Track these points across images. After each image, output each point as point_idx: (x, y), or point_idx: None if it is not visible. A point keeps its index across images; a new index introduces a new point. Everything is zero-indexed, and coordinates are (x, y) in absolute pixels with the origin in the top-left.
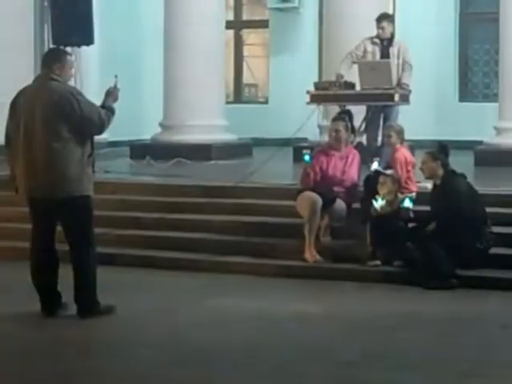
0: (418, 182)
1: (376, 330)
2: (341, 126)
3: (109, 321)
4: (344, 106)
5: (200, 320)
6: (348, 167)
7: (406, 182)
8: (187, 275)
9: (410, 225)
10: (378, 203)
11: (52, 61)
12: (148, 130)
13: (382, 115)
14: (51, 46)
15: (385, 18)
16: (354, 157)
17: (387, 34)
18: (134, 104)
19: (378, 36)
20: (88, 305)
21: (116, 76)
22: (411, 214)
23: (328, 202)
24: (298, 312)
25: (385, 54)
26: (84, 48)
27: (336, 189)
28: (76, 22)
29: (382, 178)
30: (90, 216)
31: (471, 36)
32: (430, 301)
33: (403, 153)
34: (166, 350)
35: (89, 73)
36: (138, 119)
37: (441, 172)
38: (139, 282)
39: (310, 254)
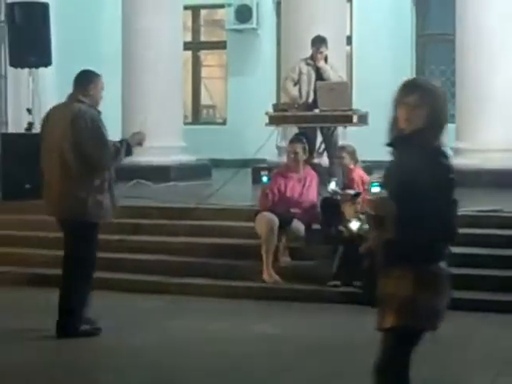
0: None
1: (335, 350)
2: (299, 148)
3: (71, 344)
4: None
5: (158, 343)
6: (306, 189)
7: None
8: (146, 297)
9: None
10: (354, 225)
11: (86, 82)
12: None
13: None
14: (8, 66)
15: (323, 42)
16: (312, 178)
17: (323, 58)
18: None
19: (312, 57)
20: (67, 322)
21: (145, 118)
22: None
23: (285, 223)
24: (257, 334)
25: (319, 75)
26: (41, 69)
27: (293, 210)
28: (33, 43)
29: (349, 200)
30: (90, 242)
31: (427, 57)
32: None
33: (358, 173)
34: (126, 374)
35: (46, 94)
36: None
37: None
38: (97, 305)
39: (268, 275)
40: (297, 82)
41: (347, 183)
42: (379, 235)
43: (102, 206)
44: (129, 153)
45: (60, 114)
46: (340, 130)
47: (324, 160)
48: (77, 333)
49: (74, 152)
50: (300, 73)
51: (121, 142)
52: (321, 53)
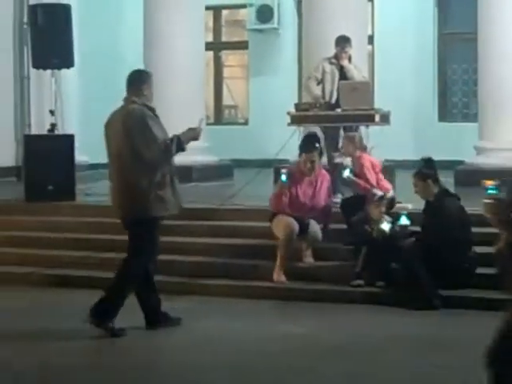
0: (400, 202)
1: (359, 351)
2: (315, 156)
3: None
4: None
5: (186, 342)
6: (318, 191)
7: (379, 184)
8: (169, 298)
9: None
10: (386, 226)
11: (140, 82)
12: None
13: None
14: (31, 68)
15: (348, 41)
16: (324, 179)
17: (347, 57)
18: None
19: (335, 57)
20: (102, 314)
21: (202, 118)
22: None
23: (303, 226)
24: (283, 334)
25: (343, 74)
26: (64, 71)
27: (307, 214)
28: (56, 44)
29: (375, 201)
30: (152, 238)
31: (449, 56)
32: (413, 322)
33: (367, 158)
34: (153, 373)
35: (68, 96)
36: None
37: (435, 189)
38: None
39: (278, 275)
40: (320, 82)
41: (358, 172)
42: (507, 237)
43: (163, 200)
44: (180, 149)
45: (116, 118)
46: (363, 130)
47: (347, 160)
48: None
49: (130, 151)
50: (323, 72)
51: (172, 138)
52: (345, 52)
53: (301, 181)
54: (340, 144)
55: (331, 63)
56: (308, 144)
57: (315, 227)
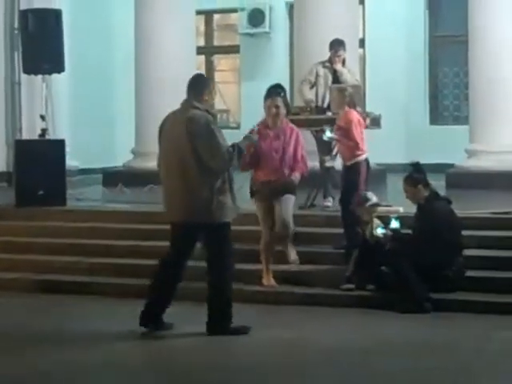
0: (390, 205)
1: (349, 355)
2: (279, 101)
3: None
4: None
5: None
6: (286, 143)
7: (360, 144)
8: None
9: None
10: (380, 231)
11: (202, 87)
12: (120, 157)
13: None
14: (21, 73)
15: (341, 45)
16: (292, 132)
17: (341, 61)
18: (105, 131)
19: (329, 60)
20: (218, 321)
21: (255, 126)
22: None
23: (276, 193)
24: (272, 338)
25: (336, 77)
26: (55, 76)
27: (278, 169)
28: (47, 50)
29: (367, 207)
30: (225, 241)
31: (440, 59)
32: (404, 325)
33: (355, 114)
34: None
35: (59, 101)
36: (110, 146)
37: (426, 193)
38: (112, 311)
39: (267, 279)
40: (313, 85)
41: (343, 126)
42: None
43: (224, 206)
44: (240, 156)
45: (176, 121)
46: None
47: (337, 163)
48: (227, 332)
49: (194, 156)
50: (317, 75)
51: (232, 146)
52: (339, 56)
53: (267, 135)
54: (333, 146)
55: (325, 67)
56: (272, 91)
57: (283, 213)
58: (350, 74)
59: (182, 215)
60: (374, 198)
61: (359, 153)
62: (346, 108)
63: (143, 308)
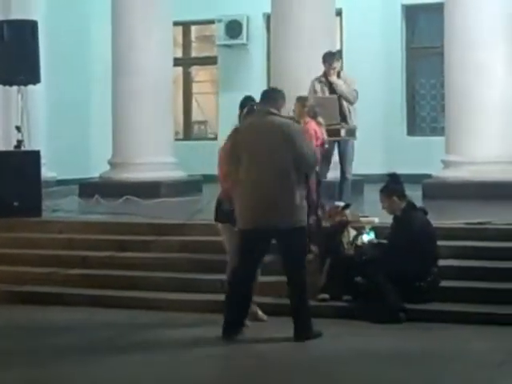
0: (366, 216)
1: (324, 365)
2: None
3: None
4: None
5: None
6: None
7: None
8: (135, 313)
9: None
10: (367, 237)
11: (277, 98)
12: (96, 168)
13: (336, 151)
14: None
15: (334, 56)
16: None
17: (335, 73)
18: (82, 141)
19: (324, 74)
20: (305, 328)
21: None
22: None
23: None
24: (247, 349)
25: (333, 90)
26: (30, 87)
27: None
28: (22, 61)
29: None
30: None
31: (417, 70)
32: (378, 335)
33: (312, 127)
34: None
35: (35, 112)
36: (86, 157)
37: (402, 205)
38: (90, 321)
39: None
40: None
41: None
42: None
43: (305, 210)
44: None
45: (263, 128)
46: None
47: (335, 173)
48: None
49: (291, 162)
50: (314, 92)
51: None
52: (333, 68)
53: None
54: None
55: (320, 82)
56: (245, 101)
57: None
58: (345, 84)
59: (275, 221)
60: (341, 203)
61: None
62: (307, 118)
63: (224, 321)
